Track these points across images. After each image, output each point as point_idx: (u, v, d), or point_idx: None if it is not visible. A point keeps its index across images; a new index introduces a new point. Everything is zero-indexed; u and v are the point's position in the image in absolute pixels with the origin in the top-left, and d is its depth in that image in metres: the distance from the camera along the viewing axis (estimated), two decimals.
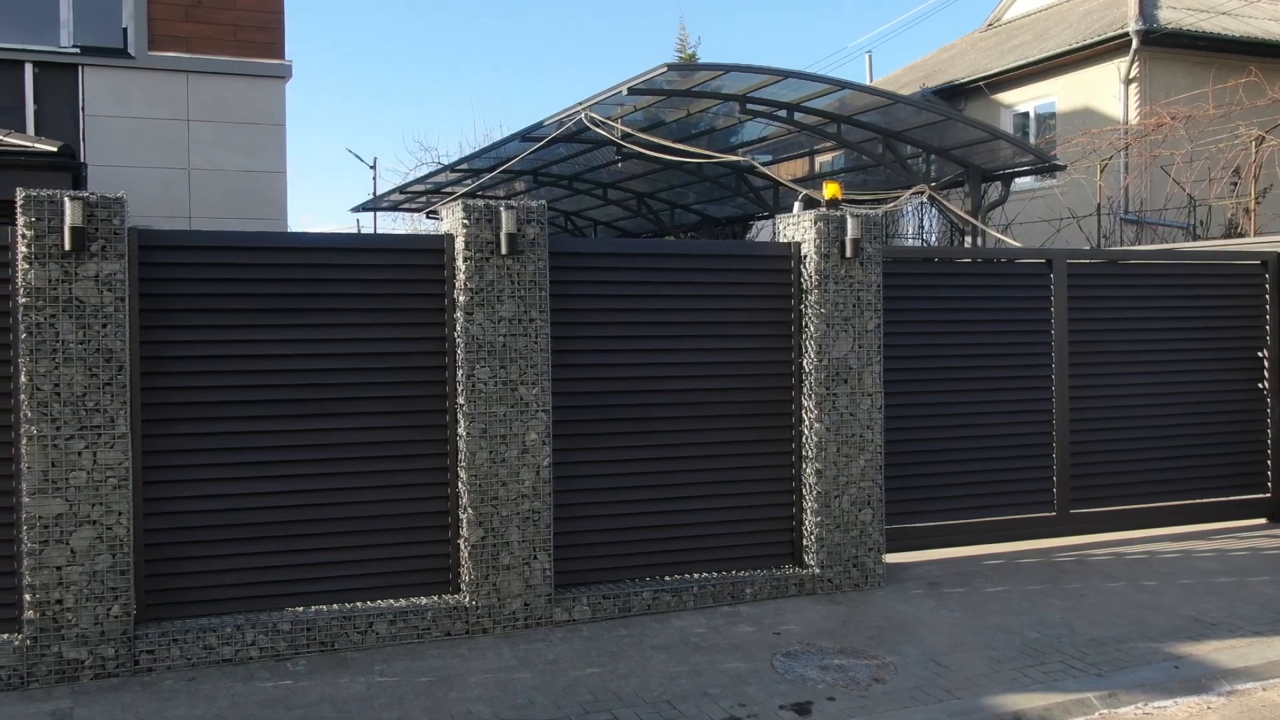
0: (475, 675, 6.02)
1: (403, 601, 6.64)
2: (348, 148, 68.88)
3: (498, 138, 18.20)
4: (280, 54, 13.35)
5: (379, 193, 30.97)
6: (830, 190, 8.03)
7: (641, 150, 13.89)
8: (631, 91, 11.97)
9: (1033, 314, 8.82)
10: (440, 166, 21.86)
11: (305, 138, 65.71)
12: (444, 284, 6.71)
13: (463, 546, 6.66)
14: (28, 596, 5.86)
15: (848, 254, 7.45)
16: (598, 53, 75.63)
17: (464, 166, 18.36)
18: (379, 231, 29.28)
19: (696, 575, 7.34)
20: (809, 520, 7.51)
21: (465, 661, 6.22)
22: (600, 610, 6.94)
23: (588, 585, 7.07)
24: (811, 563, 7.51)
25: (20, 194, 5.88)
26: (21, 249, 5.85)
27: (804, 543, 7.56)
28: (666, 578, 7.28)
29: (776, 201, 17.14)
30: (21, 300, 5.85)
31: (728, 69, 11.86)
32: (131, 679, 5.98)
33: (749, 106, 13.04)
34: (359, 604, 6.57)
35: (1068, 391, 8.87)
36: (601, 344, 7.14)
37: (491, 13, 77.22)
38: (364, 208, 25.74)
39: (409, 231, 27.83)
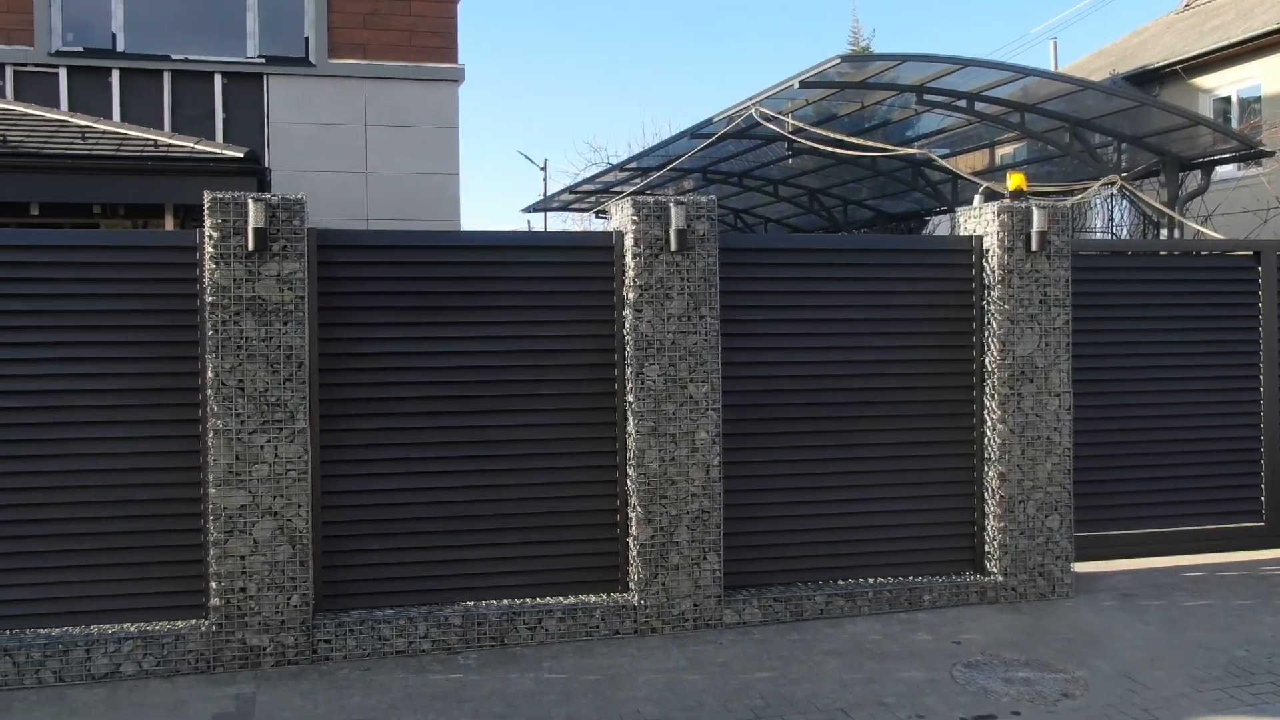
0: (644, 675, 6.01)
1: (571, 599, 6.69)
2: (519, 150, 70.45)
3: (666, 136, 18.24)
4: (454, 58, 13.70)
5: (548, 193, 31.54)
6: (1015, 181, 7.72)
7: (814, 145, 13.69)
8: (803, 85, 11.80)
9: (1237, 309, 8.28)
10: (609, 166, 22.08)
11: (477, 140, 67.41)
12: (613, 281, 6.74)
13: (631, 545, 6.67)
14: (213, 584, 6.14)
15: (1033, 247, 7.15)
16: (767, 50, 75.29)
17: (632, 165, 18.48)
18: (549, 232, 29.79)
19: (871, 580, 7.17)
20: (991, 525, 7.23)
21: (634, 661, 6.22)
22: (771, 613, 6.85)
23: (758, 587, 6.98)
24: (994, 570, 7.23)
25: (207, 196, 6.16)
26: (208, 249, 6.13)
27: (986, 549, 7.29)
28: (839, 582, 7.12)
29: (955, 196, 16.66)
30: (208, 299, 6.13)
31: (903, 59, 11.58)
32: (310, 667, 6.20)
33: (926, 97, 12.69)
34: (528, 600, 6.65)
35: (1278, 393, 8.30)
36: (773, 341, 7.04)
37: (661, 13, 77.74)
38: (534, 208, 26.23)
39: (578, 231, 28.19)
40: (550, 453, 6.68)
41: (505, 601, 6.62)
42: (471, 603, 6.58)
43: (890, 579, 7.20)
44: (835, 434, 7.12)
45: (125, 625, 6.19)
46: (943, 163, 14.96)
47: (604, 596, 6.73)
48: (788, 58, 74.15)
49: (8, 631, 6.09)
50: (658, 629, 6.65)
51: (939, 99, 12.91)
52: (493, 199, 77.35)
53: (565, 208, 24.39)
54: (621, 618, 6.61)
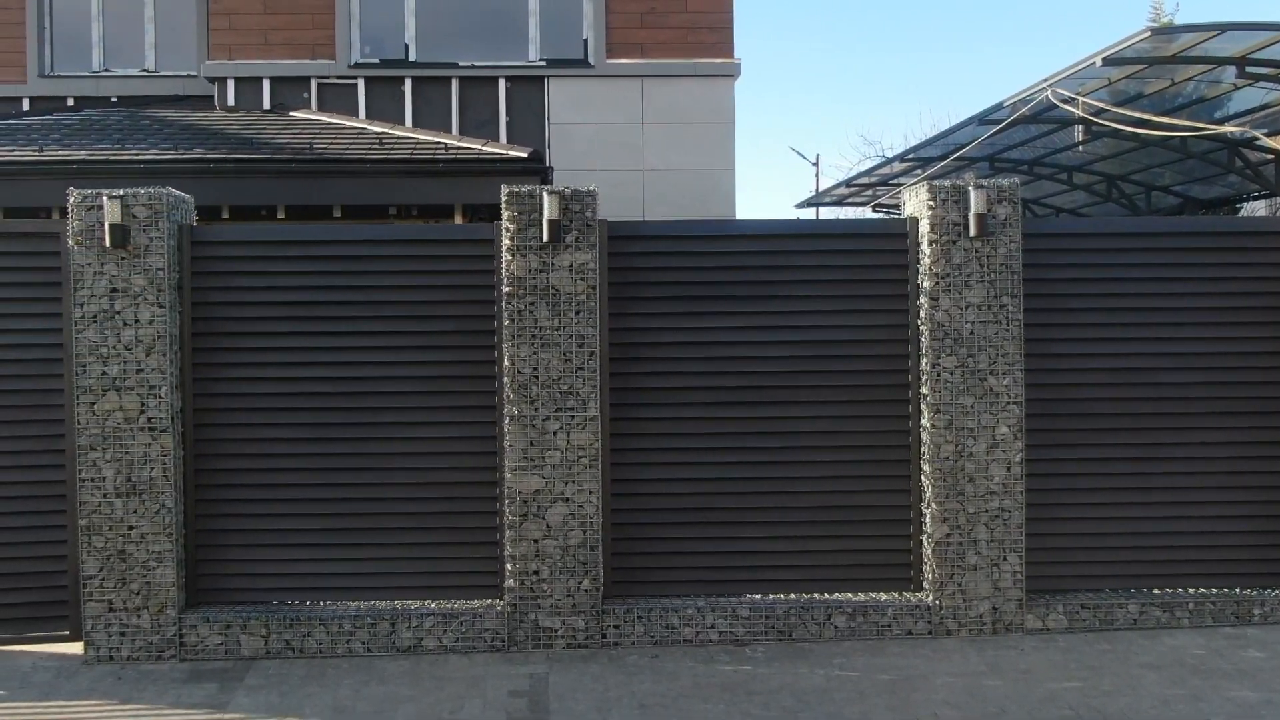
0: (940, 678, 5.89)
1: (861, 596, 6.64)
2: (790, 146, 70.45)
3: (945, 127, 17.80)
4: (730, 53, 13.84)
5: (820, 189, 31.38)
6: None
7: (1116, 126, 13.02)
8: (1107, 62, 11.24)
9: None
10: (885, 159, 21.75)
11: (747, 136, 67.75)
12: (907, 269, 6.65)
13: (925, 543, 6.56)
14: (508, 566, 6.47)
15: None
16: (1052, 36, 72.10)
17: (912, 157, 18.14)
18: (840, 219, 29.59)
19: (1190, 590, 6.74)
20: None
21: (929, 663, 6.11)
22: (1077, 620, 6.56)
23: (1062, 592, 6.71)
24: None
25: (504, 190, 6.49)
26: (505, 241, 6.46)
27: None
28: (1154, 591, 6.74)
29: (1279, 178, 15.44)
30: (504, 289, 6.46)
31: (1223, 28, 10.84)
32: (599, 651, 6.42)
33: (1249, 69, 11.82)
34: (815, 595, 6.64)
35: None
36: (1080, 332, 6.75)
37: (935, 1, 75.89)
38: (807, 204, 26.14)
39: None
40: (840, 445, 6.66)
41: (793, 595, 6.65)
42: (758, 595, 6.64)
43: (1213, 590, 6.75)
44: (1151, 431, 6.75)
45: (427, 602, 6.62)
46: (1268, 141, 13.88)
47: (896, 595, 6.65)
48: (1077, 42, 70.83)
49: (321, 603, 6.62)
50: (953, 631, 6.50)
51: (1264, 71, 12.00)
52: (763, 195, 77.53)
53: (840, 202, 24.18)
54: (914, 618, 6.51)
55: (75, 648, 6.58)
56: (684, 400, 6.66)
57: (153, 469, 6.37)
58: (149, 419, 6.37)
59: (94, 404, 6.36)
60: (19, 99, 13.77)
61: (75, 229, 6.38)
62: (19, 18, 13.77)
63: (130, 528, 6.38)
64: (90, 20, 13.98)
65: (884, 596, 6.64)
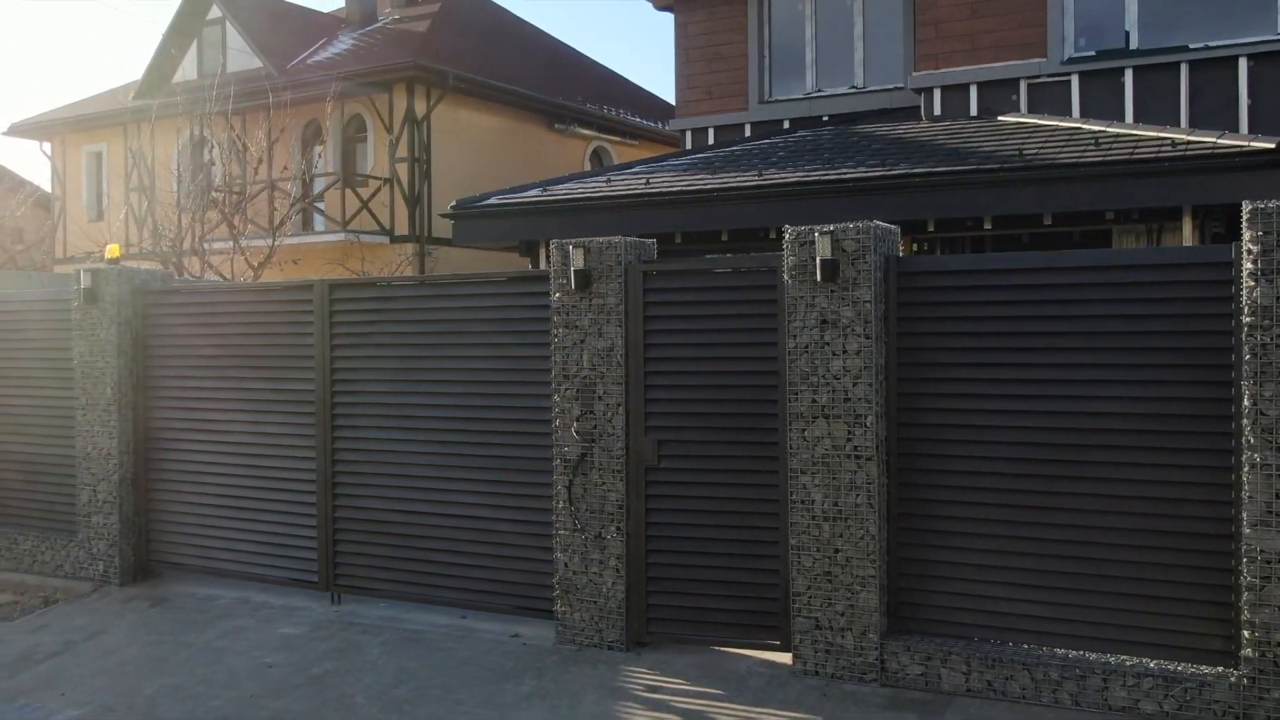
0: None
1: None
2: None
3: None
4: None
5: None
6: None
7: None
8: None
9: None
10: None
11: None
12: None
13: None
14: (1245, 634, 5.90)
15: None
16: None
17: None
18: None
19: None
20: None
21: None
22: None
23: None
24: None
25: (1246, 207, 5.91)
26: (1246, 265, 5.89)
27: None
28: None
29: None
30: (1246, 319, 5.88)
31: None
32: None
33: None
34: None
35: None
36: None
37: None
38: None
39: None
40: None
41: None
42: None
43: None
44: None
45: (1143, 660, 6.25)
46: None
47: None
48: None
49: (1025, 646, 6.54)
50: None
51: None
52: None
53: None
54: None
55: (784, 658, 7.16)
56: None
57: (858, 495, 6.73)
58: (855, 446, 6.73)
59: (804, 430, 6.87)
60: (741, 125, 15.33)
61: (789, 264, 6.92)
62: (740, 50, 15.32)
63: (836, 550, 6.79)
64: (804, 45, 15.13)
65: None
